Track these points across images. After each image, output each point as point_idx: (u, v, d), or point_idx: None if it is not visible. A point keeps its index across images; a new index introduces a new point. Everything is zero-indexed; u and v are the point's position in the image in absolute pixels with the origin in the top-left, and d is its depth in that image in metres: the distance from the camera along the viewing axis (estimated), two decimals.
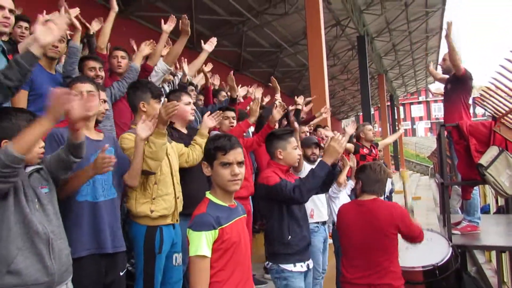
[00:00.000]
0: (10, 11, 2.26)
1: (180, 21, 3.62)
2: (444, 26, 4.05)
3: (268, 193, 2.58)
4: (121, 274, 2.22)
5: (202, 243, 1.66)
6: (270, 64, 17.43)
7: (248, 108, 4.56)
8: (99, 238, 2.11)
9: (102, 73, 3.25)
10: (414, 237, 2.66)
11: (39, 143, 1.80)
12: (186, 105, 3.01)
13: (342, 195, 4.08)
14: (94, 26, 3.95)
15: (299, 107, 5.60)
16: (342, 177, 4.07)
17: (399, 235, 2.66)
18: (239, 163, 1.80)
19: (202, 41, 4.19)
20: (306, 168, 3.72)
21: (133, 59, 3.78)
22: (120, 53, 3.69)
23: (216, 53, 14.35)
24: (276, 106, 3.80)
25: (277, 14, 12.78)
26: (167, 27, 3.72)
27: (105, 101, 2.49)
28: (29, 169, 1.82)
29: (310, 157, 3.98)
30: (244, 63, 15.90)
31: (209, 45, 4.05)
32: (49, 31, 1.89)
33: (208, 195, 1.84)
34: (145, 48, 3.84)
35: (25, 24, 3.55)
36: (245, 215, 1.96)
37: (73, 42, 3.18)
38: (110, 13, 3.62)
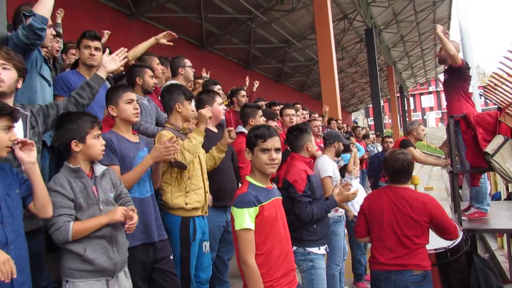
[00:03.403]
0: None
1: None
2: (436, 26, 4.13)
3: (292, 193, 2.82)
4: (170, 257, 2.49)
5: (245, 218, 1.90)
6: (279, 60, 17.59)
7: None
8: (148, 229, 2.37)
9: None
10: (448, 230, 2.71)
11: (100, 140, 2.07)
12: (219, 106, 3.24)
13: (355, 182, 4.14)
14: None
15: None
16: (350, 165, 4.23)
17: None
18: (276, 149, 2.04)
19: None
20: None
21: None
22: (160, 66, 3.73)
23: (225, 51, 14.58)
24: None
25: (285, 10, 12.94)
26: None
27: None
28: (99, 171, 2.07)
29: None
30: (253, 60, 16.10)
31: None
32: (113, 61, 2.46)
33: (248, 178, 2.09)
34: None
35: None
36: (281, 196, 2.18)
37: None
38: (151, 39, 3.54)
